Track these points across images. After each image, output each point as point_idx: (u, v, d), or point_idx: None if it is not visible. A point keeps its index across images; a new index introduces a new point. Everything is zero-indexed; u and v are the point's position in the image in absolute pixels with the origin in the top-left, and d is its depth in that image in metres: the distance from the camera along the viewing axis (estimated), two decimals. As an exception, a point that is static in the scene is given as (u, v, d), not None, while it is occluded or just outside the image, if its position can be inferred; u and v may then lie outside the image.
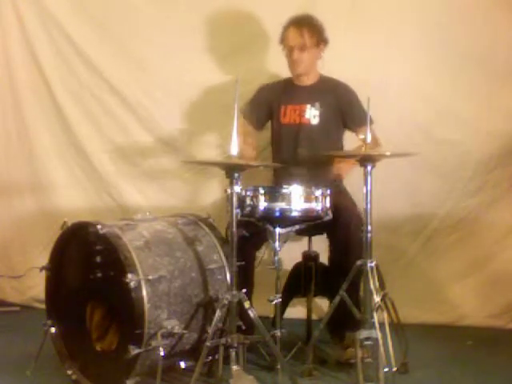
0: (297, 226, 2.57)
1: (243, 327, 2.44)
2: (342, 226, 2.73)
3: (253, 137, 3.18)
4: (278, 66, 3.21)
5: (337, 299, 2.54)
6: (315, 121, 3.07)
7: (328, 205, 2.56)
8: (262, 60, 3.46)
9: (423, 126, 3.37)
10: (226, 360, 2.32)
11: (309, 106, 3.08)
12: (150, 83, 3.65)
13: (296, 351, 2.72)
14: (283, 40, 3.04)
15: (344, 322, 2.69)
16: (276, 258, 2.52)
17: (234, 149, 2.30)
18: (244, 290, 2.36)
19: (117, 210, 3.68)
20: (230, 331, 2.32)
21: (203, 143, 3.62)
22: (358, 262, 2.49)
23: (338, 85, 3.11)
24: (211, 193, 3.57)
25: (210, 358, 2.45)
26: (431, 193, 3.41)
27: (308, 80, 3.12)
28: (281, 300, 2.55)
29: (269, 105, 3.18)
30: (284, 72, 3.16)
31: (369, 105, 2.49)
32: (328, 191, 2.56)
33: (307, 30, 2.98)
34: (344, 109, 3.07)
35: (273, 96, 3.17)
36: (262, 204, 2.46)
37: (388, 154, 2.50)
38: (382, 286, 2.51)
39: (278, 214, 2.47)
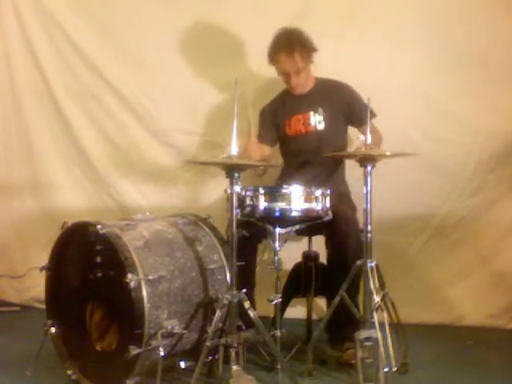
0: (297, 226, 2.57)
1: (243, 327, 2.44)
2: (339, 229, 2.72)
3: (270, 151, 3.20)
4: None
5: (336, 299, 2.54)
6: (321, 126, 3.07)
7: (328, 205, 2.56)
8: (260, 61, 3.45)
9: (423, 126, 3.37)
10: (226, 360, 2.33)
11: (312, 112, 3.08)
12: (150, 83, 3.65)
13: (296, 351, 2.72)
14: (274, 63, 2.99)
15: (343, 324, 2.69)
16: (276, 258, 2.52)
17: (234, 149, 2.30)
18: (244, 290, 2.36)
19: (117, 210, 3.68)
20: (230, 331, 2.33)
21: (203, 143, 3.62)
22: (358, 262, 2.49)
23: (336, 85, 3.11)
24: (211, 193, 3.57)
25: (210, 357, 2.46)
26: (431, 193, 3.41)
27: (305, 88, 3.11)
28: (281, 300, 2.55)
29: (275, 123, 3.18)
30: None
31: (369, 104, 2.49)
32: (328, 191, 2.56)
33: (299, 53, 2.92)
34: (347, 109, 3.05)
35: (275, 114, 3.17)
36: (262, 204, 2.46)
37: (388, 153, 2.50)
38: (382, 286, 2.51)
39: (277, 214, 2.47)
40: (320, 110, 3.07)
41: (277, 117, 3.16)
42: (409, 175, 3.36)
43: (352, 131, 3.12)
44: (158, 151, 3.68)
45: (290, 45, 2.92)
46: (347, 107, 3.06)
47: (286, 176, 3.10)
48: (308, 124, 3.09)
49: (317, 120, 3.07)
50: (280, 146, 3.26)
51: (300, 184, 2.53)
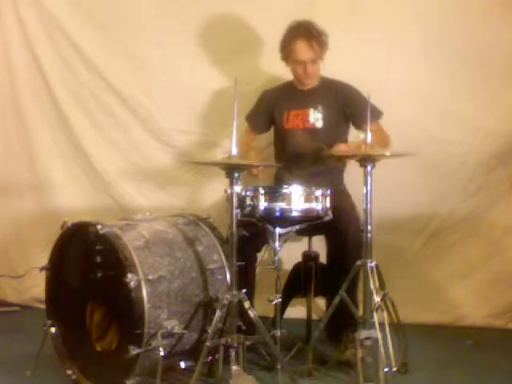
0: (297, 226, 2.57)
1: (243, 327, 2.44)
2: (340, 229, 2.73)
3: (257, 140, 3.25)
4: (276, 67, 3.21)
5: (336, 299, 2.54)
6: (319, 124, 3.07)
7: (328, 205, 2.56)
8: (260, 61, 3.46)
9: (423, 125, 3.36)
10: (226, 360, 2.32)
11: (311, 109, 3.08)
12: (150, 83, 3.65)
13: (296, 351, 2.72)
14: (290, 53, 2.99)
15: (341, 324, 2.69)
16: (276, 258, 2.52)
17: (234, 149, 2.30)
18: (244, 290, 2.36)
19: (117, 210, 3.68)
20: (230, 331, 2.33)
21: (203, 143, 3.62)
22: (358, 262, 2.49)
23: (339, 86, 3.11)
24: (211, 193, 3.56)
25: (210, 357, 2.46)
26: (431, 193, 3.41)
27: (310, 84, 3.12)
28: (281, 300, 2.55)
29: (271, 110, 3.18)
30: (281, 72, 3.17)
31: (369, 102, 2.49)
32: (328, 191, 2.56)
33: (316, 42, 2.94)
34: (349, 110, 3.06)
35: (274, 101, 3.18)
36: (262, 204, 2.46)
37: (388, 154, 2.50)
38: (381, 286, 2.51)
39: (278, 213, 2.47)
40: (320, 107, 3.07)
41: (275, 104, 3.16)
42: (409, 175, 3.36)
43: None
44: (158, 151, 3.67)
45: (309, 32, 2.95)
46: (348, 109, 3.05)
47: (283, 174, 3.09)
48: (306, 120, 3.08)
49: (315, 117, 3.07)
50: (275, 140, 3.25)
51: (298, 183, 2.53)
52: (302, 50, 2.95)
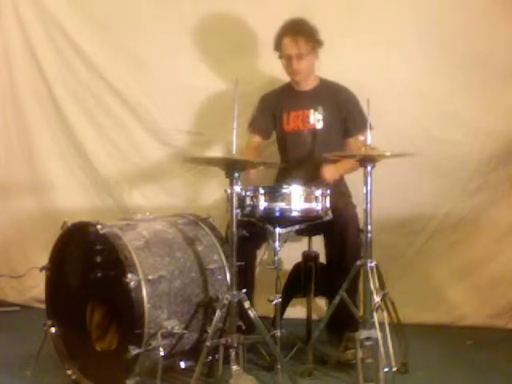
0: (297, 226, 2.56)
1: (243, 327, 2.44)
2: (339, 229, 2.72)
3: (261, 147, 3.26)
4: (274, 68, 3.21)
5: (336, 299, 2.54)
6: (319, 125, 3.07)
7: (328, 205, 2.56)
8: (259, 61, 3.46)
9: (423, 126, 3.37)
10: (226, 360, 2.32)
11: (312, 110, 3.08)
12: (150, 83, 3.65)
13: (296, 351, 2.72)
14: (279, 49, 3.02)
15: (341, 324, 2.69)
16: (276, 258, 2.52)
17: (234, 149, 2.30)
18: (244, 290, 2.36)
19: (117, 210, 3.68)
20: (230, 331, 2.33)
21: (203, 143, 3.62)
22: (358, 262, 2.49)
23: (339, 89, 3.11)
24: (211, 193, 3.57)
25: (210, 357, 2.45)
26: (431, 193, 3.41)
27: (308, 84, 3.12)
28: (281, 300, 2.55)
29: (272, 113, 3.19)
30: (280, 72, 3.16)
31: (369, 107, 2.49)
32: (328, 191, 2.56)
33: (302, 37, 2.96)
34: (344, 114, 3.07)
35: (275, 104, 3.19)
36: (262, 204, 2.46)
37: (388, 154, 2.50)
38: (381, 286, 2.51)
39: (277, 214, 2.47)
40: (320, 108, 3.07)
41: (275, 106, 3.17)
42: (409, 175, 3.36)
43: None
44: (158, 151, 3.68)
45: (295, 28, 2.98)
46: (344, 113, 3.06)
47: (284, 174, 3.10)
48: (307, 121, 3.09)
49: (316, 118, 3.08)
50: (277, 142, 3.26)
51: (298, 183, 2.53)
52: (288, 44, 2.97)
